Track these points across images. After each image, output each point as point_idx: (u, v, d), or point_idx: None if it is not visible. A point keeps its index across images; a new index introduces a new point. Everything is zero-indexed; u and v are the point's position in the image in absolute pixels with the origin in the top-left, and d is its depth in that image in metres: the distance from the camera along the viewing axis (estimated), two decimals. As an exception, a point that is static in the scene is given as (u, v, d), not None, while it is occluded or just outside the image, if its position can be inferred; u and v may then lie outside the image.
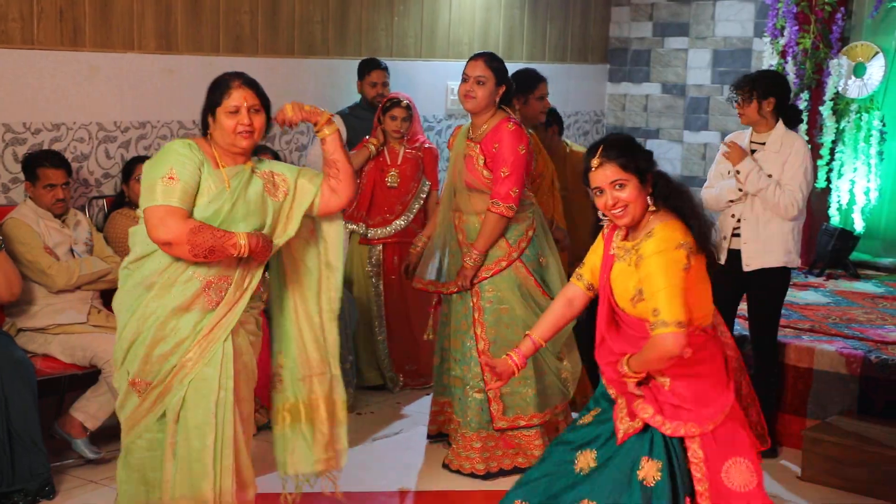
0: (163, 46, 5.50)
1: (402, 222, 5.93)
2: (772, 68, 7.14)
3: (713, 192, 5.05)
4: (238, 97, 3.38)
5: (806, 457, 4.81)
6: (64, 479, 4.61)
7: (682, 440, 3.16)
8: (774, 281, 4.98)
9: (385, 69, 6.17)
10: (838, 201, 7.15)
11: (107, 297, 5.05)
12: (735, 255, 4.97)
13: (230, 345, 3.42)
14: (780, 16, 7.13)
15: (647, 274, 3.08)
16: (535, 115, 5.27)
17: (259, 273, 3.47)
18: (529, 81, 5.24)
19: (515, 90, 4.91)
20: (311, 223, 3.64)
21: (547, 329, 3.44)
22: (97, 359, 4.68)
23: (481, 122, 4.66)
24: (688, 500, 3.13)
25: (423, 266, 4.88)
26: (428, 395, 5.89)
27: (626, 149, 3.19)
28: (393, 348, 5.97)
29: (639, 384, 3.18)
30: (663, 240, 3.10)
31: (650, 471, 3.12)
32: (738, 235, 4.97)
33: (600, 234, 3.37)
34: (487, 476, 4.66)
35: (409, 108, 5.86)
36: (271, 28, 6.01)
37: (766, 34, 7.27)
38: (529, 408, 4.67)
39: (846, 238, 7.00)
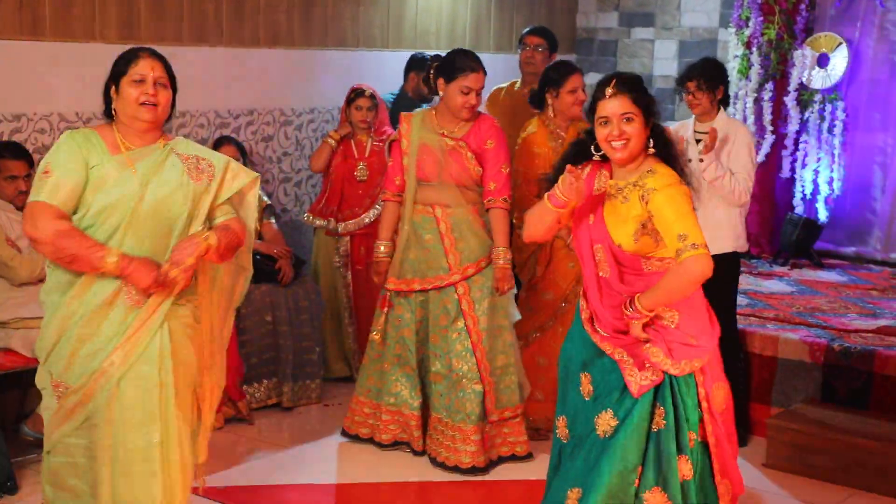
0: (125, 36, 5.44)
1: (372, 215, 5.91)
2: (736, 59, 7.19)
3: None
4: (145, 66, 3.21)
5: (770, 444, 4.85)
6: (26, 475, 4.56)
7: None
8: (724, 267, 4.99)
9: (371, 96, 6.00)
10: (802, 191, 7.21)
11: (70, 289, 5.01)
12: None
13: (167, 339, 3.22)
14: (745, 6, 7.17)
15: (664, 203, 3.14)
16: (567, 110, 4.96)
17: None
18: (559, 74, 5.00)
19: (547, 84, 4.95)
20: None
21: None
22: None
23: (458, 119, 4.67)
24: (691, 434, 3.25)
25: (393, 267, 4.79)
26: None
27: (638, 85, 3.26)
28: (361, 339, 5.95)
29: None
30: (668, 175, 3.21)
31: (657, 418, 3.23)
32: None
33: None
34: (487, 467, 4.65)
35: (373, 97, 5.84)
36: (236, 17, 5.96)
37: (731, 25, 7.31)
38: (514, 396, 4.73)
39: (810, 228, 7.05)
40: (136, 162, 3.23)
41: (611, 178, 3.30)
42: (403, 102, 6.22)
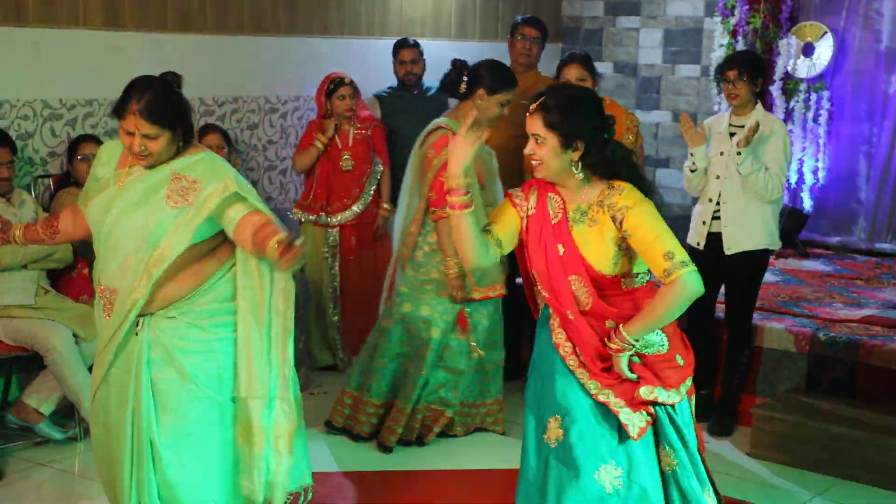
0: (109, 22, 5.40)
1: (361, 205, 5.90)
2: (721, 48, 7.19)
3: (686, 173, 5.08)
4: (129, 123, 3.15)
5: (755, 434, 4.86)
6: (11, 462, 4.54)
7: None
8: (755, 263, 5.02)
9: (414, 46, 6.17)
10: (788, 181, 7.22)
11: (54, 276, 4.98)
12: (714, 237, 4.98)
13: (144, 354, 3.21)
14: (730, -5, 7.17)
15: (642, 221, 2.93)
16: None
17: (145, 291, 3.15)
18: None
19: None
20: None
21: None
22: (38, 346, 4.61)
23: None
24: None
25: (473, 277, 4.70)
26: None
27: (564, 107, 2.97)
28: (346, 329, 5.94)
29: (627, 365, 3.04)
30: (633, 190, 2.99)
31: (666, 459, 3.09)
32: (718, 218, 4.98)
33: (510, 204, 3.14)
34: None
35: (353, 84, 5.81)
36: (220, 5, 5.92)
37: (716, 14, 7.30)
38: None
39: (795, 217, 7.07)
40: (131, 180, 3.23)
41: (563, 200, 3.07)
42: (401, 93, 6.21)
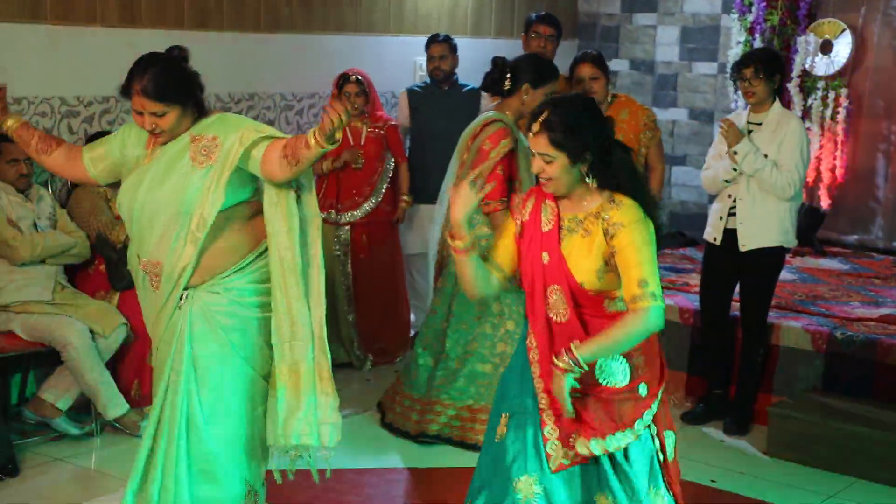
0: (126, 20, 5.42)
1: (372, 203, 5.90)
2: (739, 45, 7.16)
3: (709, 173, 5.04)
4: (137, 103, 3.22)
5: (771, 433, 4.84)
6: (28, 457, 4.57)
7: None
8: (770, 261, 5.00)
9: (443, 42, 6.12)
10: (804, 177, 7.18)
11: (71, 273, 5.00)
12: (731, 234, 4.97)
13: (187, 327, 3.27)
14: (748, -8, 7.14)
15: (630, 242, 2.86)
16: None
17: (192, 257, 3.22)
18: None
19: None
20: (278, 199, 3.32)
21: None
22: (56, 342, 4.63)
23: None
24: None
25: None
26: (398, 371, 5.89)
27: (567, 124, 2.91)
28: (361, 327, 5.95)
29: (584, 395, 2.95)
30: (634, 208, 2.92)
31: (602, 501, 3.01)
32: (734, 214, 4.97)
33: (509, 215, 3.11)
34: None
35: (361, 82, 5.80)
36: (237, 2, 5.93)
37: (734, 11, 7.27)
38: None
39: (813, 215, 7.04)
40: (156, 155, 3.30)
41: (557, 209, 3.01)
42: (431, 89, 6.19)
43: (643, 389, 2.98)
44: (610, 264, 2.91)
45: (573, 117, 2.92)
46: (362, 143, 5.86)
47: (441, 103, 6.09)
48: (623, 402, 2.97)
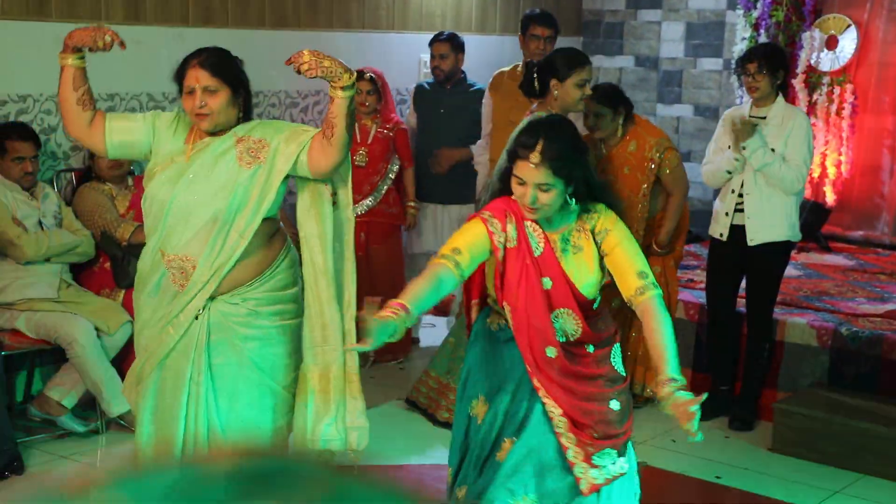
0: (131, 17, 5.42)
1: (370, 202, 5.89)
2: (744, 41, 7.15)
3: (710, 167, 5.03)
4: (191, 77, 3.25)
5: (776, 429, 4.84)
6: (33, 455, 4.57)
7: None
8: (777, 255, 5.01)
9: (446, 40, 6.06)
10: (810, 174, 7.18)
11: (76, 270, 5.01)
12: (737, 230, 4.97)
13: (205, 337, 3.27)
14: (753, -12, 7.13)
15: (621, 240, 2.99)
16: (572, 104, 4.63)
17: (230, 259, 3.23)
18: (569, 64, 4.66)
19: (552, 72, 4.72)
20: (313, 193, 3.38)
21: (412, 297, 2.88)
22: (61, 339, 4.64)
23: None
24: None
25: None
26: (401, 369, 5.90)
27: (563, 151, 2.92)
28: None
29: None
30: (607, 210, 3.06)
31: None
32: (740, 210, 4.96)
33: (483, 227, 3.02)
34: None
35: (373, 80, 5.79)
36: (242, -1, 5.94)
37: (739, 7, 7.26)
38: None
39: (818, 211, 7.03)
40: (197, 152, 3.31)
41: (543, 231, 3.02)
42: (435, 87, 6.17)
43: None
44: (604, 271, 3.03)
45: (567, 144, 2.97)
46: (369, 141, 5.85)
47: (443, 102, 6.08)
48: (622, 393, 3.11)
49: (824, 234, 7.07)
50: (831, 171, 7.16)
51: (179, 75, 3.29)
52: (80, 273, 5.03)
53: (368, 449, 4.68)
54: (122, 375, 4.77)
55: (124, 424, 4.76)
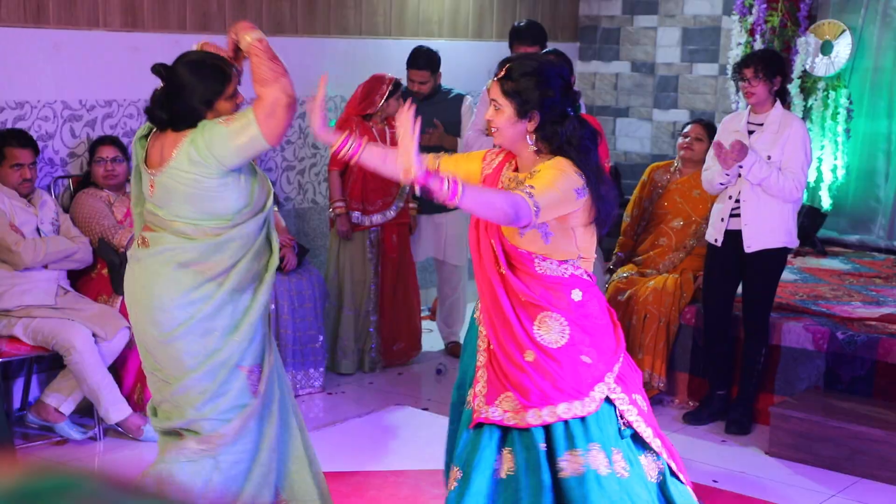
0: (128, 23, 5.44)
1: (401, 202, 5.94)
2: (739, 46, 7.17)
3: (708, 174, 5.05)
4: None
5: (773, 432, 4.85)
6: (31, 462, 4.57)
7: None
8: (773, 261, 5.02)
9: (424, 68, 6.00)
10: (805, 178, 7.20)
11: (74, 277, 5.01)
12: (733, 236, 4.98)
13: None
14: (748, -6, 7.15)
15: (544, 171, 2.88)
16: None
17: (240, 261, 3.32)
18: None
19: None
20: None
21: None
22: (59, 346, 4.64)
23: None
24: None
25: None
26: (399, 374, 5.91)
27: (524, 77, 2.94)
28: (383, 330, 5.95)
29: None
30: (561, 161, 2.93)
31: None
32: (736, 216, 4.98)
33: (480, 158, 3.16)
34: None
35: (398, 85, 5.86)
36: (239, 5, 5.95)
37: (734, 12, 7.28)
38: None
39: (814, 215, 7.05)
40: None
41: (516, 168, 3.06)
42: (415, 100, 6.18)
43: (586, 359, 3.01)
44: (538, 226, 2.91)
45: (532, 73, 2.96)
46: (387, 143, 5.87)
47: (425, 112, 6.06)
48: (565, 367, 2.98)
49: (820, 238, 7.09)
50: (827, 175, 7.18)
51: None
52: (78, 279, 5.04)
53: (364, 454, 4.70)
54: (120, 382, 4.80)
55: (122, 431, 4.76)
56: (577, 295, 3.01)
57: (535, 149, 2.99)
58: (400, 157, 2.69)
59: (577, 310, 3.02)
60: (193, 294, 3.25)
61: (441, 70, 6.12)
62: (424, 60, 6.02)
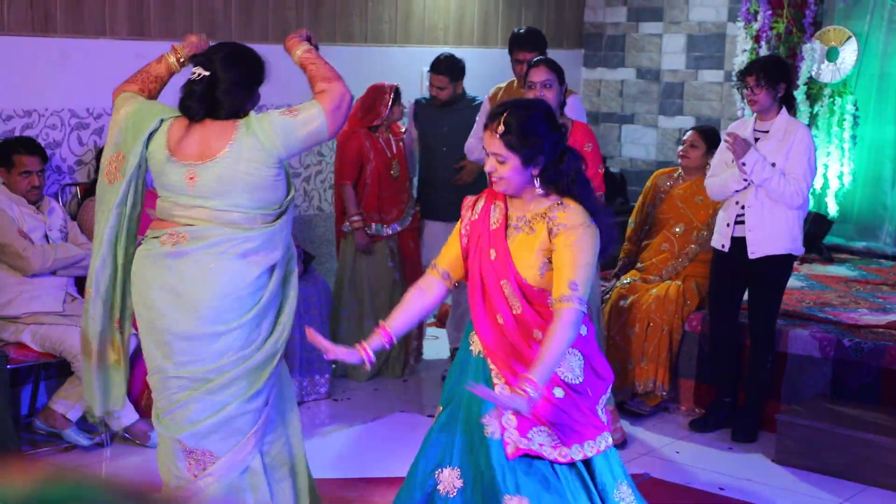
0: (135, 32, 5.46)
1: (413, 209, 5.96)
2: (745, 53, 7.18)
3: (717, 181, 5.04)
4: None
5: (780, 440, 4.84)
6: (39, 468, 4.58)
7: None
8: (778, 268, 5.01)
9: (444, 74, 6.02)
10: (812, 185, 7.18)
11: (81, 283, 5.03)
12: (739, 242, 4.98)
13: None
14: (753, 0, 7.15)
15: (569, 245, 2.95)
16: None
17: None
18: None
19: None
20: None
21: (399, 322, 3.17)
22: (66, 352, 4.65)
23: None
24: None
25: None
26: (404, 381, 5.91)
27: (523, 127, 3.00)
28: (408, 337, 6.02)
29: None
30: (580, 212, 3.00)
31: None
32: (741, 223, 4.97)
33: (461, 218, 3.21)
34: None
35: (399, 93, 5.87)
36: (245, 13, 5.97)
37: (739, 19, 7.28)
38: None
39: (820, 222, 7.04)
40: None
41: (506, 209, 3.10)
42: (431, 102, 6.17)
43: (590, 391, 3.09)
44: (551, 261, 3.00)
45: (530, 122, 3.01)
46: (394, 151, 5.89)
47: (445, 120, 6.08)
48: (583, 401, 3.05)
49: (827, 245, 7.08)
50: (833, 182, 7.17)
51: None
52: (85, 286, 5.04)
53: (370, 461, 4.70)
54: (128, 388, 4.80)
55: (129, 437, 4.77)
56: (584, 330, 3.07)
57: (542, 192, 3.05)
58: (513, 405, 2.85)
59: (585, 344, 3.10)
60: (255, 285, 3.29)
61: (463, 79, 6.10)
62: (444, 66, 6.05)
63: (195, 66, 3.35)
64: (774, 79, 4.88)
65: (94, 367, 3.48)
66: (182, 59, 3.47)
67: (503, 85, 5.73)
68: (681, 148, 5.64)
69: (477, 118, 5.73)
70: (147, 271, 3.33)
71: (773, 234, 4.92)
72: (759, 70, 4.88)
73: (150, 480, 3.46)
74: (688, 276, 5.53)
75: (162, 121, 3.34)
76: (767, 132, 4.94)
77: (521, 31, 5.73)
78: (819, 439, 4.71)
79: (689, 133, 5.70)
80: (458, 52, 6.93)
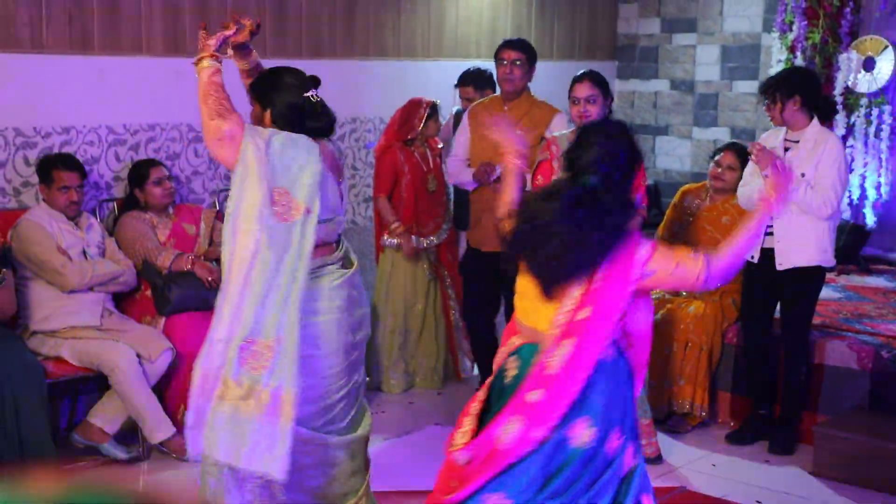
0: (171, 49, 5.52)
1: (449, 223, 5.99)
2: (780, 63, 7.14)
3: (747, 190, 5.01)
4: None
5: (817, 452, 4.80)
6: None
7: None
8: (808, 280, 4.96)
9: (469, 85, 6.13)
10: (849, 196, 7.14)
11: (118, 298, 5.08)
12: (768, 253, 4.94)
13: None
14: (788, 11, 7.12)
15: None
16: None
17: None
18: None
19: None
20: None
21: None
22: (103, 366, 4.69)
23: None
24: None
25: None
26: (439, 394, 5.91)
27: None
28: (450, 344, 6.06)
29: None
30: None
31: None
32: (771, 234, 4.94)
33: None
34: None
35: (436, 108, 5.90)
36: (279, 29, 6.03)
37: (774, 29, 7.26)
38: None
39: (857, 233, 6.98)
40: None
41: None
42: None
43: None
44: None
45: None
46: (431, 165, 5.91)
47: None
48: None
49: (864, 255, 7.02)
50: (871, 192, 7.11)
51: None
52: (122, 301, 5.10)
53: (407, 475, 4.70)
54: (164, 402, 4.85)
55: (166, 451, 4.81)
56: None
57: None
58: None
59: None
60: None
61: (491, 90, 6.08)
62: (471, 78, 6.13)
63: (315, 85, 3.75)
64: (788, 92, 4.85)
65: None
66: (218, 54, 3.69)
67: (485, 100, 5.53)
68: (716, 167, 5.49)
69: (456, 135, 5.58)
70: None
71: (801, 246, 4.88)
72: (769, 87, 4.91)
73: (181, 494, 3.48)
74: (724, 292, 5.43)
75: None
76: (798, 142, 4.91)
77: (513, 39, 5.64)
78: (857, 452, 4.67)
79: (721, 154, 5.56)
80: (490, 65, 6.95)
